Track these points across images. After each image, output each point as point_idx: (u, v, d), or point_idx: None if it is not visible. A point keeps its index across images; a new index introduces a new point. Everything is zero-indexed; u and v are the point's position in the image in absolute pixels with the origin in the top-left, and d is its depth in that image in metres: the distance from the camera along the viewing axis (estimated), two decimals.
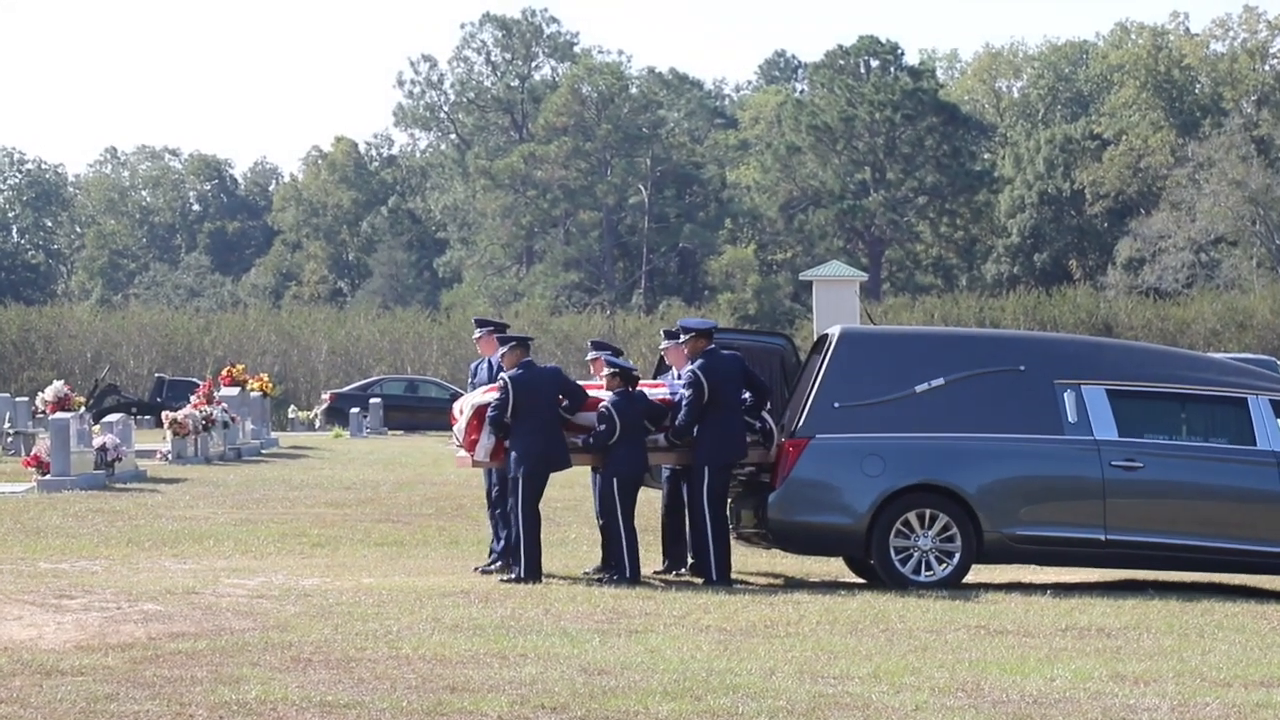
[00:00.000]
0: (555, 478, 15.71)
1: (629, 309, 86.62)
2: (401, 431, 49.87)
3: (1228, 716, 9.49)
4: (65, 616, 12.41)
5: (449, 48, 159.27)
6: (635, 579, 15.10)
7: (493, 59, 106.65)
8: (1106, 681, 10.39)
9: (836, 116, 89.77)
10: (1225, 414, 15.55)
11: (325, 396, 55.93)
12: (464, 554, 18.00)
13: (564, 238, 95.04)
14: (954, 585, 15.00)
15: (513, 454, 15.17)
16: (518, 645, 11.32)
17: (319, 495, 24.79)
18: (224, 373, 39.41)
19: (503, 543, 15.94)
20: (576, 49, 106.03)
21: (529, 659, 10.83)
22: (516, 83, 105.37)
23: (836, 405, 15.35)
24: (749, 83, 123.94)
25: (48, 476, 24.10)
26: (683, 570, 16.01)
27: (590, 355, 16.14)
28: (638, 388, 15.40)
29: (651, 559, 16.23)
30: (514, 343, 15.56)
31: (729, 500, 15.72)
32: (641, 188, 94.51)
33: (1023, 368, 15.57)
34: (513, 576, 15.14)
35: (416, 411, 51.79)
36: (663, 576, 15.88)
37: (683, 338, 15.62)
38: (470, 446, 15.43)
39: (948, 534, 15.18)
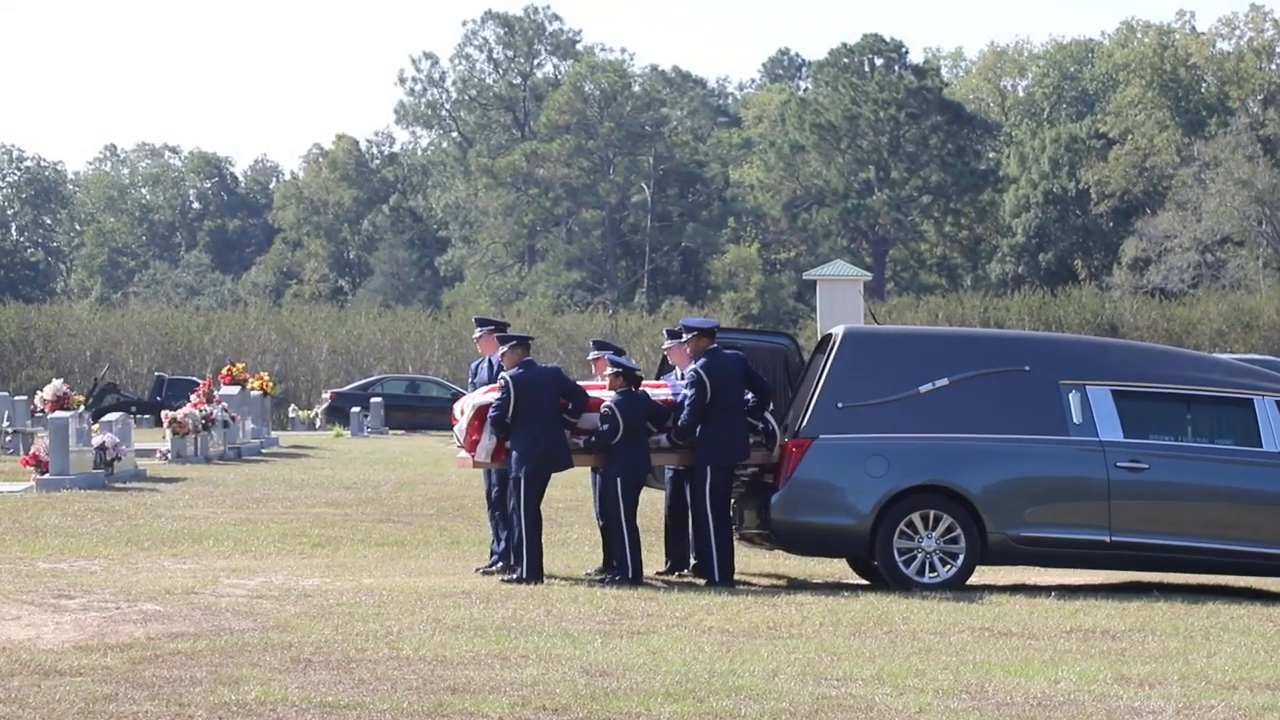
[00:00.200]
0: (557, 478, 15.68)
1: (631, 308, 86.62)
2: (402, 431, 49.87)
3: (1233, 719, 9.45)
4: (64, 616, 12.38)
5: (451, 45, 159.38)
6: (637, 580, 15.05)
7: (495, 56, 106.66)
8: (1111, 684, 10.36)
9: (840, 115, 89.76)
10: (1231, 415, 15.50)
11: (326, 396, 55.93)
12: (465, 554, 17.97)
13: (566, 236, 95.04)
14: (958, 587, 14.97)
15: (513, 454, 15.13)
16: (519, 646, 11.28)
17: (319, 495, 24.76)
18: (224, 372, 39.35)
19: (503, 543, 15.90)
20: (579, 46, 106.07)
21: (530, 660, 10.79)
22: (519, 80, 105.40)
23: (840, 405, 15.31)
24: (752, 81, 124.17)
25: (46, 476, 24.06)
26: (685, 571, 15.97)
27: (592, 355, 16.11)
28: (640, 388, 15.35)
29: (654, 560, 16.19)
30: (514, 342, 15.51)
31: (732, 501, 15.66)
32: (644, 186, 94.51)
33: (1027, 368, 15.52)
34: (514, 577, 15.09)
35: (418, 411, 51.79)
36: (665, 577, 15.84)
37: (685, 337, 15.57)
38: (471, 447, 15.38)
39: (952, 535, 15.13)
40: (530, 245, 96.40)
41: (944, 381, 15.41)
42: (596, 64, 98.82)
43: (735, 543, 15.63)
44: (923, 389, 15.38)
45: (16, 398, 39.74)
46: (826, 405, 15.31)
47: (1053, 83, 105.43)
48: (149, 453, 30.32)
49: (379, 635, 11.66)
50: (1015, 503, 15.17)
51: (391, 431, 49.60)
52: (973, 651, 11.51)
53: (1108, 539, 15.17)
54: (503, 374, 15.35)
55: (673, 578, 15.86)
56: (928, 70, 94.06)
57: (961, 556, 15.13)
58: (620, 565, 15.19)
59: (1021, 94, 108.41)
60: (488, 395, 15.40)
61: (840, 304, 44.48)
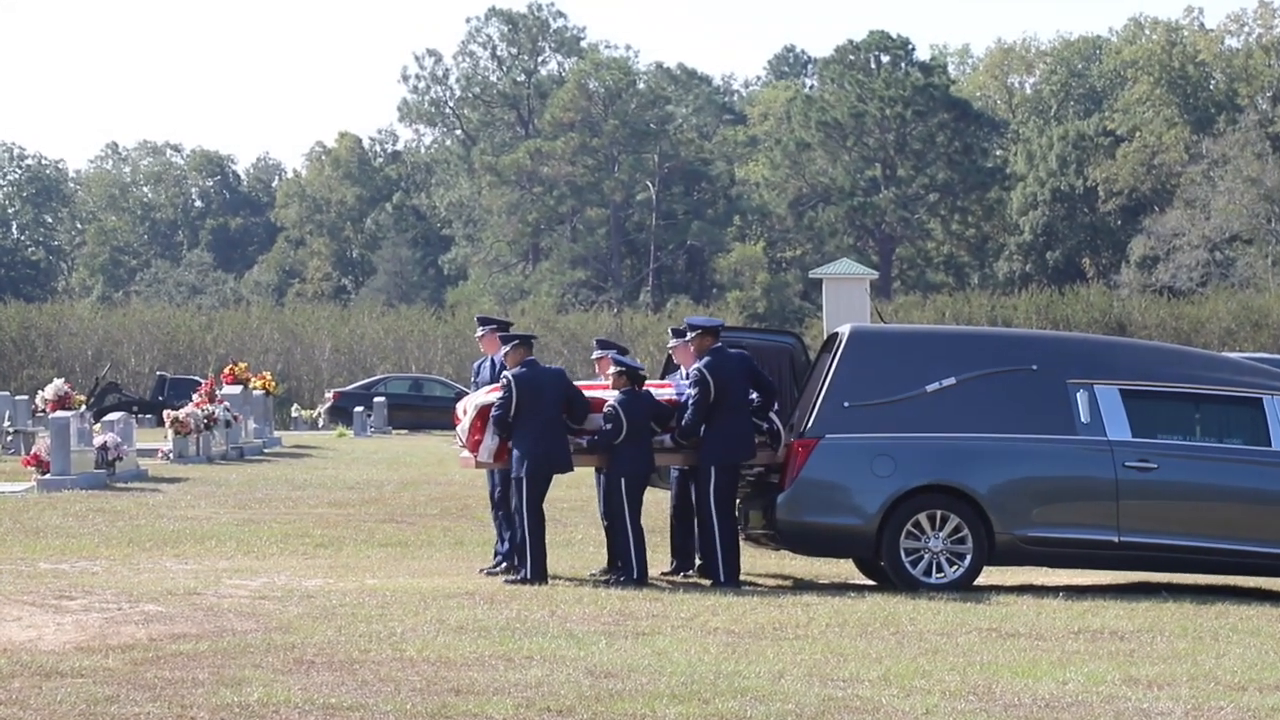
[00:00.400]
0: (561, 477, 15.62)
1: (636, 307, 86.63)
2: (406, 431, 49.85)
3: None
4: (65, 617, 12.34)
5: (454, 42, 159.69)
6: (643, 580, 15.01)
7: (498, 54, 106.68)
8: (1119, 685, 10.32)
9: (847, 113, 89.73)
10: (1240, 414, 15.45)
11: (329, 395, 55.94)
12: (469, 555, 17.95)
13: (570, 235, 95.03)
14: (965, 587, 14.92)
15: (515, 454, 15.07)
16: (523, 647, 11.24)
17: (322, 495, 24.73)
18: (226, 371, 39.31)
19: (507, 544, 15.85)
20: (583, 44, 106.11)
21: (535, 661, 10.76)
22: (522, 78, 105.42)
23: (846, 405, 15.25)
24: (758, 78, 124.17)
25: (48, 476, 24.03)
26: (690, 571, 15.92)
27: (596, 354, 16.07)
28: (644, 388, 15.29)
29: (659, 560, 16.14)
30: (516, 341, 15.47)
31: (737, 501, 15.60)
32: (649, 184, 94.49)
33: (1035, 367, 15.46)
34: (518, 578, 15.05)
35: (421, 410, 51.77)
36: (670, 578, 15.81)
37: (690, 335, 15.51)
38: (474, 447, 15.34)
39: (959, 535, 15.07)
40: (534, 244, 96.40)
41: (951, 381, 15.35)
42: (601, 61, 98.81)
43: (741, 543, 15.58)
44: (929, 388, 15.32)
45: (18, 397, 39.72)
46: (832, 405, 15.25)
47: (1060, 80, 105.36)
48: (151, 453, 30.30)
49: (382, 636, 11.63)
50: (1023, 503, 15.11)
51: (395, 431, 49.58)
52: (980, 652, 11.47)
53: (1116, 539, 15.11)
54: (505, 373, 15.31)
55: (678, 578, 15.82)
56: (934, 67, 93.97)
57: (969, 557, 15.06)
58: (625, 566, 15.15)
59: (1029, 91, 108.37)
60: (490, 395, 15.35)
61: (846, 303, 44.35)
